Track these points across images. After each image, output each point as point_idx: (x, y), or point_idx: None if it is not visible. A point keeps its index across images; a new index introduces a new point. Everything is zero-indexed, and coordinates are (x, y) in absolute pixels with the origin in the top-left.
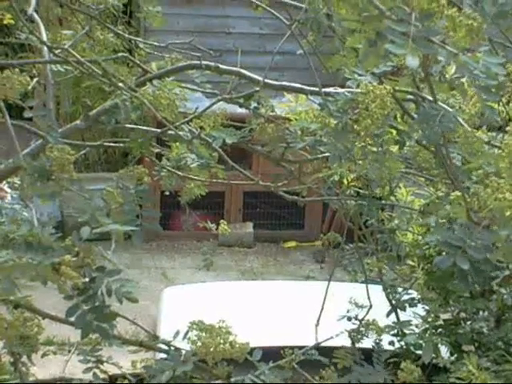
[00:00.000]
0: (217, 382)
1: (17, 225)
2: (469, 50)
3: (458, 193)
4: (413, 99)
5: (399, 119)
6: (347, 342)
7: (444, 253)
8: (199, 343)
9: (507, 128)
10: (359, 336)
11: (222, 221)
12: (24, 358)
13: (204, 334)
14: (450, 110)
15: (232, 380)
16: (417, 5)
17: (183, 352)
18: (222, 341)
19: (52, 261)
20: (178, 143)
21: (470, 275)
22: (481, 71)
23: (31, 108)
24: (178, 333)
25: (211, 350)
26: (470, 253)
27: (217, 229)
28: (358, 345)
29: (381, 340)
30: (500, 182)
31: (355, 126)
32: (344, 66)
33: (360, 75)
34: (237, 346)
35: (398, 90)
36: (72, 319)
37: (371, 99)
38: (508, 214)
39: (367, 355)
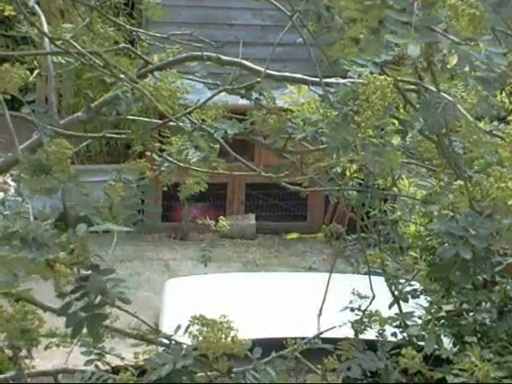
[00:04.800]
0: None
1: (19, 218)
2: (471, 40)
3: (460, 182)
4: (414, 89)
5: (401, 109)
6: (350, 333)
7: (446, 243)
8: (200, 338)
9: (509, 118)
10: (362, 327)
11: (220, 216)
12: (24, 352)
13: (205, 329)
14: (451, 99)
15: (233, 374)
16: None
17: (184, 346)
18: (223, 336)
19: (46, 257)
20: (179, 136)
21: (472, 265)
22: (482, 62)
23: (30, 102)
24: (179, 327)
25: (212, 344)
26: (472, 242)
27: (215, 225)
28: (361, 336)
29: (384, 331)
30: (503, 171)
31: (356, 118)
32: (344, 56)
33: (361, 65)
34: (238, 341)
35: (400, 79)
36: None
37: (372, 90)
38: (510, 203)
39: (370, 346)
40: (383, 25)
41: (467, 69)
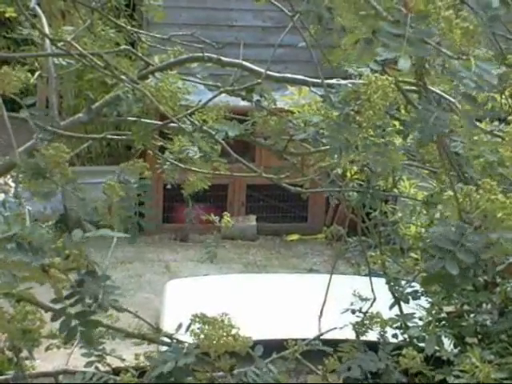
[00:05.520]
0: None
1: (19, 220)
2: (464, 54)
3: (450, 193)
4: (415, 89)
5: (402, 110)
6: (351, 335)
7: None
8: (202, 336)
9: (509, 118)
10: (363, 329)
11: (224, 213)
12: (25, 353)
13: (206, 327)
14: (452, 100)
15: (235, 372)
16: (413, 6)
17: (186, 344)
18: (224, 334)
19: (41, 262)
20: (180, 136)
21: (460, 278)
22: (471, 80)
23: (30, 105)
24: (180, 326)
25: (214, 342)
26: (460, 257)
27: (220, 221)
28: (362, 337)
29: (385, 332)
30: (492, 183)
31: (357, 118)
32: (346, 58)
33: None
34: (239, 339)
35: (401, 80)
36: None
37: (373, 90)
38: (500, 215)
39: (371, 348)
40: (376, 36)
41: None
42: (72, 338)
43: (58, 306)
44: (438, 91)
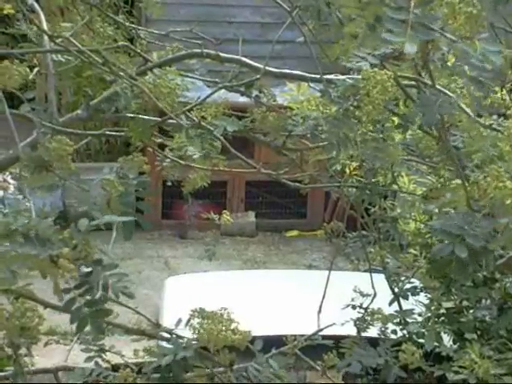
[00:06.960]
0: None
1: (20, 215)
2: (468, 38)
3: (458, 181)
4: (414, 85)
5: (401, 105)
6: (351, 330)
7: (443, 242)
8: (201, 330)
9: (508, 112)
10: (365, 325)
11: (224, 211)
12: (23, 350)
13: (206, 321)
14: (451, 94)
15: (235, 368)
16: None
17: (185, 339)
18: (223, 328)
19: (49, 253)
20: (180, 133)
21: (469, 264)
22: (478, 59)
23: (30, 100)
24: (180, 321)
25: (213, 336)
26: (468, 241)
27: (219, 219)
28: (362, 333)
29: (386, 328)
30: (500, 170)
31: (356, 113)
32: (344, 54)
33: (361, 58)
34: (239, 333)
35: (400, 75)
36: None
37: (372, 85)
38: (508, 202)
39: (371, 344)
40: (380, 22)
41: (466, 67)
42: (83, 328)
43: (67, 297)
44: (437, 86)
